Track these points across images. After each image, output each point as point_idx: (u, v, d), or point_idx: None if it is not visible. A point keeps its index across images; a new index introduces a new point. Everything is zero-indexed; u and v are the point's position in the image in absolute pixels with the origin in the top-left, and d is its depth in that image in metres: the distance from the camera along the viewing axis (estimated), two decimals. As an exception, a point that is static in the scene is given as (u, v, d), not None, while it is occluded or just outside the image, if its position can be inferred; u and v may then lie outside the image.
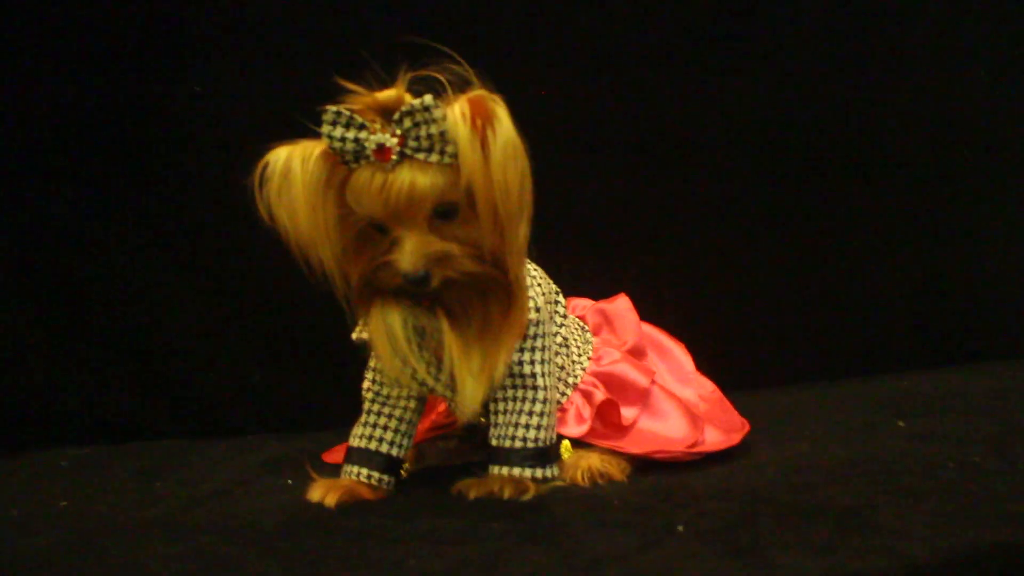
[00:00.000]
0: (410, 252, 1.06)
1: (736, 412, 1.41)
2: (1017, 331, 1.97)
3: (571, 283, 1.40)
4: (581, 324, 1.39)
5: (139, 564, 0.97)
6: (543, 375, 1.20)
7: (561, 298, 1.33)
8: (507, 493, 1.14)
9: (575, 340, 1.34)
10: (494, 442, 1.20)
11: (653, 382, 1.34)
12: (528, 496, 1.15)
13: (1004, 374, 1.80)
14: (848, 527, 0.96)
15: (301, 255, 1.09)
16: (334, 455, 1.41)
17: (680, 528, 0.99)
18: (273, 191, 1.07)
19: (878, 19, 1.85)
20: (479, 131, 1.02)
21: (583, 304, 1.45)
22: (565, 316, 1.33)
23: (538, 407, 1.19)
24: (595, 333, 1.40)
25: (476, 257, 1.08)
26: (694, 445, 1.28)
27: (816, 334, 1.84)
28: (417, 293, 1.08)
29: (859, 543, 0.91)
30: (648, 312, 1.46)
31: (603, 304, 1.44)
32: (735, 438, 1.32)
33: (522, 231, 1.07)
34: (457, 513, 1.10)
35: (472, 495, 1.15)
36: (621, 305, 1.43)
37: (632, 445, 1.26)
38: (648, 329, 1.45)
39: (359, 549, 0.99)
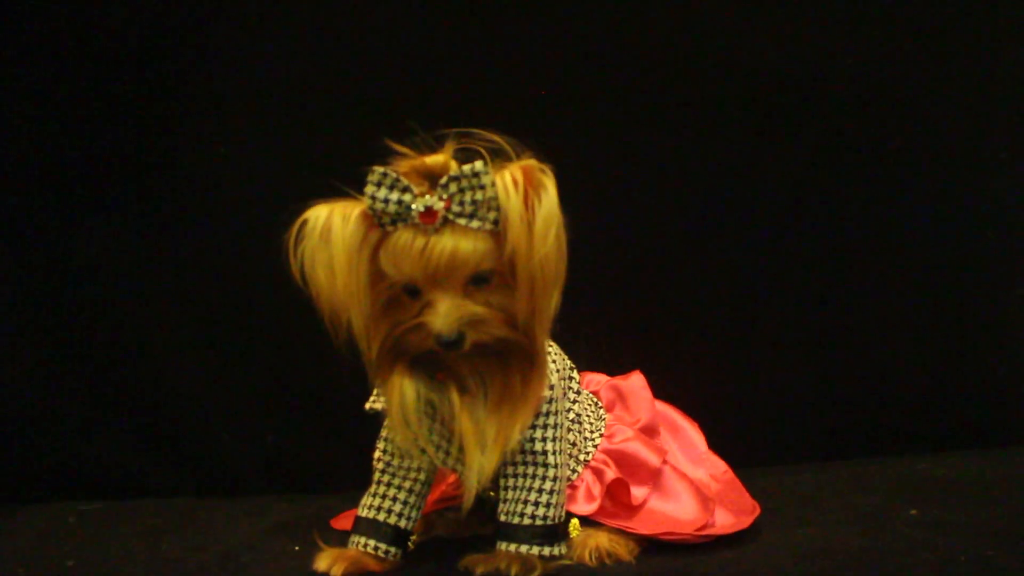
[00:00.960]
0: (444, 314, 1.06)
1: (747, 494, 1.40)
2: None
3: (586, 359, 1.41)
4: (595, 400, 1.39)
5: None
6: (554, 452, 1.20)
7: (575, 374, 1.33)
8: (514, 571, 1.13)
9: (588, 416, 1.34)
10: (503, 518, 1.20)
11: (665, 462, 1.33)
12: (535, 575, 1.14)
13: (1024, 461, 1.78)
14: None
15: (331, 316, 1.09)
16: (343, 521, 1.41)
17: (688, 615, 0.98)
18: (310, 249, 1.08)
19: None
20: (526, 199, 1.04)
21: (597, 380, 1.44)
22: (579, 392, 1.33)
23: (548, 484, 1.19)
24: (608, 409, 1.39)
25: (507, 323, 1.08)
26: (704, 528, 1.27)
27: (832, 414, 1.82)
28: (444, 357, 1.09)
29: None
30: (662, 389, 1.46)
31: (617, 381, 1.44)
32: (745, 521, 1.31)
33: (554, 300, 1.08)
34: (464, 589, 1.10)
35: (479, 571, 1.15)
36: (635, 382, 1.43)
37: (641, 525, 1.25)
38: (662, 407, 1.45)
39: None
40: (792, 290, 1.81)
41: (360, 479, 1.30)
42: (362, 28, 1.68)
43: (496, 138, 1.06)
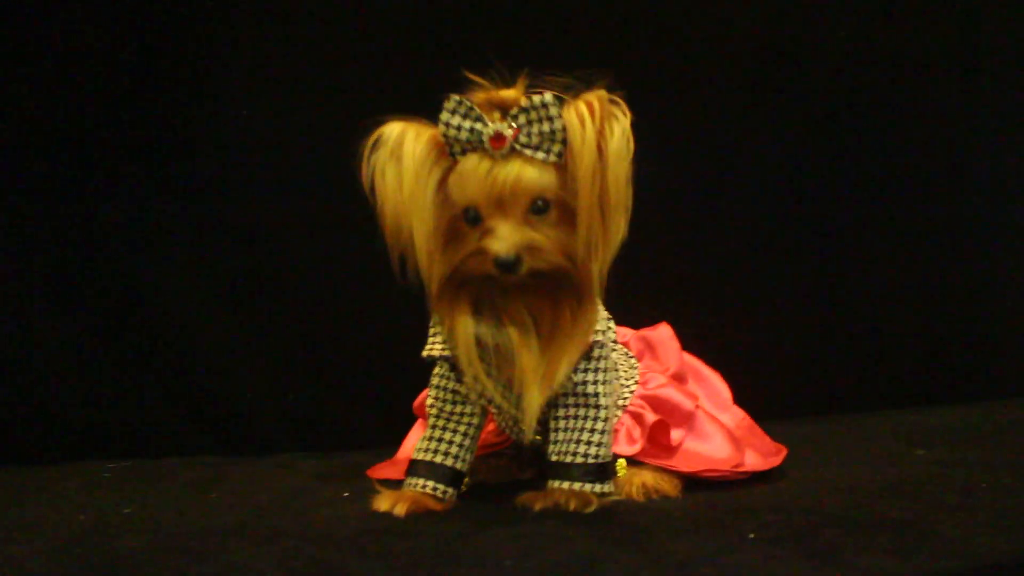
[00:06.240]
0: (504, 237, 1.12)
1: (768, 438, 1.47)
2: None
3: (614, 315, 1.46)
4: (626, 351, 1.45)
5: (245, 565, 1.01)
6: (605, 395, 1.26)
7: (612, 324, 1.39)
8: (572, 506, 1.19)
9: (622, 365, 1.40)
10: (554, 457, 1.25)
11: (697, 406, 1.40)
12: (591, 509, 1.20)
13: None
14: (912, 535, 1.03)
15: (393, 228, 1.14)
16: (380, 471, 1.45)
17: (752, 535, 1.05)
18: (381, 159, 1.14)
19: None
20: (599, 127, 1.10)
21: (624, 332, 1.50)
22: (615, 342, 1.39)
23: (599, 425, 1.25)
24: (638, 359, 1.45)
25: (563, 253, 1.14)
26: (738, 465, 1.34)
27: (844, 368, 1.91)
28: (501, 282, 1.13)
29: (930, 548, 0.98)
30: (685, 345, 1.52)
31: (646, 332, 1.50)
32: (774, 460, 1.39)
33: (623, 224, 1.14)
34: (532, 521, 1.15)
35: (537, 507, 1.20)
36: (663, 333, 1.49)
37: (681, 464, 1.32)
38: (688, 358, 1.51)
39: (452, 550, 1.04)
40: (808, 249, 1.90)
41: (380, 436, 1.33)
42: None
43: (567, 79, 1.12)
